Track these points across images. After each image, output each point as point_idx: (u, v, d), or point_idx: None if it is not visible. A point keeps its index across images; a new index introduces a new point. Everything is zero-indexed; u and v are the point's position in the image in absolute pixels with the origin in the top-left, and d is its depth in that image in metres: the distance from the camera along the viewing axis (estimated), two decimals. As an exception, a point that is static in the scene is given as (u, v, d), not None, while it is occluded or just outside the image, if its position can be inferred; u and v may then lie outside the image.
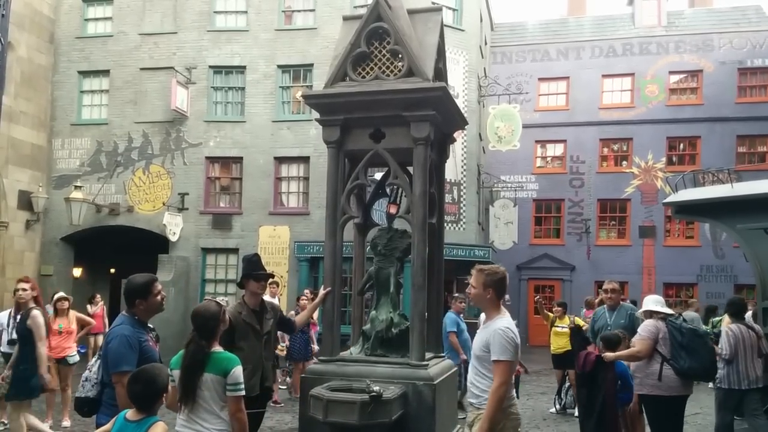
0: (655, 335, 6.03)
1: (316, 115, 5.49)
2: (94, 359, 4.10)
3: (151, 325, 4.14)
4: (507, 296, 17.82)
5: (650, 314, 6.34)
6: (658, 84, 22.95)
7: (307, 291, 12.74)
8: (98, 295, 14.65)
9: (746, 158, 22.08)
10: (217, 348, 3.67)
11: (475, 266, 4.12)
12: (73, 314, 8.86)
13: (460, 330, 9.08)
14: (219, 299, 5.14)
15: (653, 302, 6.44)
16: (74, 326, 8.70)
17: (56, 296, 8.95)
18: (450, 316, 9.08)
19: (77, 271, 18.94)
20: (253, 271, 5.08)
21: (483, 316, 7.71)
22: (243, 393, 3.60)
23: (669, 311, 6.42)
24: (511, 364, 3.79)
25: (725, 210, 8.18)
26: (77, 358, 8.68)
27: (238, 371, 3.58)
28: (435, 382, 4.86)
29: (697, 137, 22.58)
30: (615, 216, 23.22)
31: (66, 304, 8.77)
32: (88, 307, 14.72)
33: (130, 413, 3.22)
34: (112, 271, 20.47)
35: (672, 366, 5.97)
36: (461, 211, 18.77)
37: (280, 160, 18.03)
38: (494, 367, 3.78)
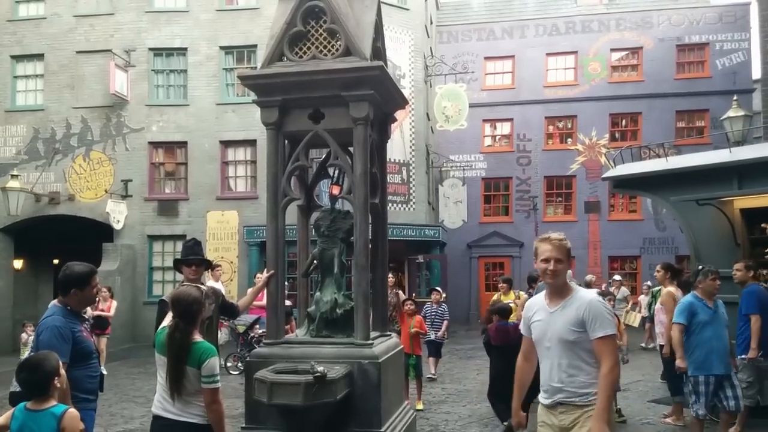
0: None
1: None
2: (28, 353, 3.98)
3: (85, 315, 4.04)
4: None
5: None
6: (600, 61, 23.39)
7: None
8: (106, 289, 11.69)
9: (685, 133, 22.75)
10: (197, 337, 3.54)
11: (539, 238, 3.43)
12: None
13: (696, 323, 5.87)
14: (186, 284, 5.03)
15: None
16: None
17: None
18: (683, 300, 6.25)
19: (18, 263, 18.32)
20: (185, 255, 5.04)
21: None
22: (218, 385, 3.49)
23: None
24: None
25: (660, 183, 8.49)
26: None
27: (212, 362, 3.45)
28: (380, 361, 4.89)
29: (638, 113, 23.15)
30: (561, 192, 23.68)
31: None
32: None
33: (30, 403, 3.11)
34: (56, 261, 19.85)
35: None
36: (411, 191, 18.86)
37: (226, 143, 17.75)
38: (601, 346, 3.12)
